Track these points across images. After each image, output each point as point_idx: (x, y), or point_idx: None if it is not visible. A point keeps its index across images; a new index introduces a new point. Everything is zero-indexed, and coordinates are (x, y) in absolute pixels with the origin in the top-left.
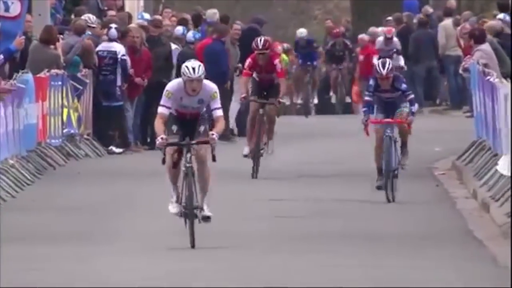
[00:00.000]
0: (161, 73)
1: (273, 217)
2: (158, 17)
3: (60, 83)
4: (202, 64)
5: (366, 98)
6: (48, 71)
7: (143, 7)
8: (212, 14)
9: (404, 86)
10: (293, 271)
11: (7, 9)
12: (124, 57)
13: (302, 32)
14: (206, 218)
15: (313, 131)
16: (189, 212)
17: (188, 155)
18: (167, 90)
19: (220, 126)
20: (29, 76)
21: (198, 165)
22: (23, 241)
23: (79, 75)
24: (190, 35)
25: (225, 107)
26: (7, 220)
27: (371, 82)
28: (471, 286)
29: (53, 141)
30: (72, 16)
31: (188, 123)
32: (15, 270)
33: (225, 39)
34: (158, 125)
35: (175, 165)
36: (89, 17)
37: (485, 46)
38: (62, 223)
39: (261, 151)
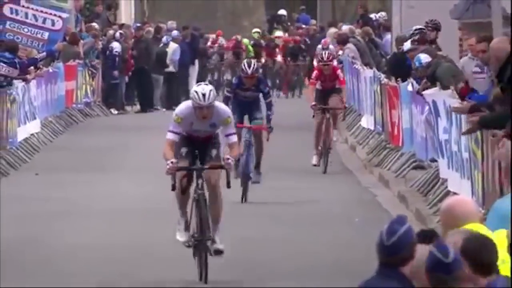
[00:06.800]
0: (143, 61)
1: None
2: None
3: (81, 69)
4: (213, 89)
5: (226, 94)
6: (73, 61)
7: (134, 19)
8: (171, 23)
9: (266, 89)
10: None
11: (53, 24)
12: (116, 52)
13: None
14: (218, 252)
15: None
16: (201, 245)
17: (200, 180)
18: (176, 115)
19: (235, 151)
20: (60, 64)
21: (209, 192)
22: (54, 170)
23: (93, 63)
24: (164, 39)
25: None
26: (45, 156)
27: (235, 80)
28: (342, 200)
29: (79, 105)
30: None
31: (200, 145)
32: (44, 188)
33: (188, 40)
34: (167, 151)
35: (184, 191)
36: (94, 26)
37: (350, 45)
38: (82, 159)
39: (330, 149)
